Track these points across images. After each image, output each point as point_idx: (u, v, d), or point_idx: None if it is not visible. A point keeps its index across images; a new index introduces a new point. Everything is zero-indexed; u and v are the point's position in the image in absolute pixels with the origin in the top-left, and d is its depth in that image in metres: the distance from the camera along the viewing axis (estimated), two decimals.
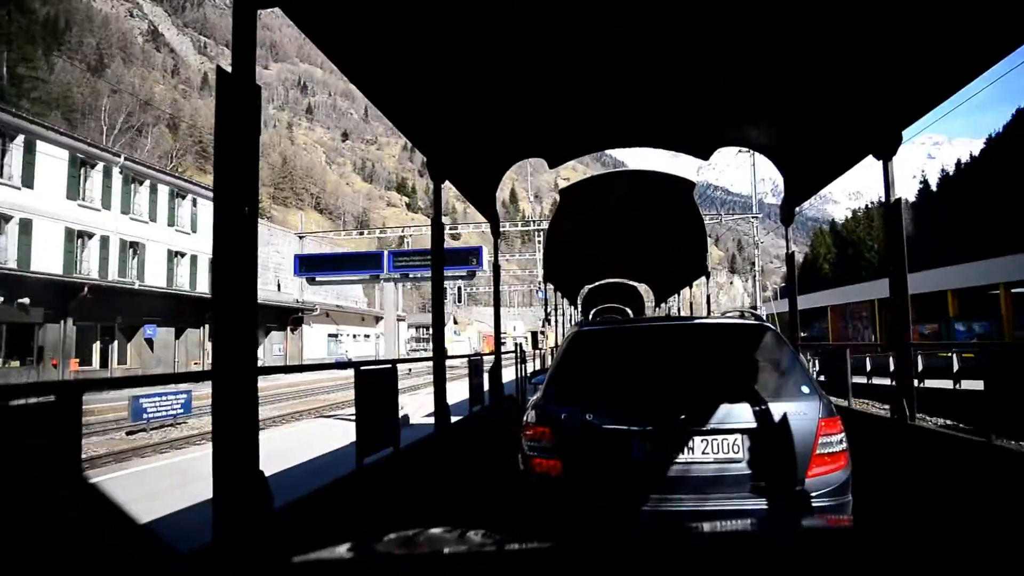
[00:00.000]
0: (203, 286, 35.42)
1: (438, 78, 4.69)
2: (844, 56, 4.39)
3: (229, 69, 2.38)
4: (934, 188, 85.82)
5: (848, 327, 24.58)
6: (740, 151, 31.70)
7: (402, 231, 46.08)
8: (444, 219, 5.72)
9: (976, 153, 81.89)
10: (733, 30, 4.44)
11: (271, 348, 39.23)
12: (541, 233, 40.65)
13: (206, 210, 36.30)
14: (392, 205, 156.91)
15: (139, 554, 1.24)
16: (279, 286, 43.04)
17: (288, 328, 40.55)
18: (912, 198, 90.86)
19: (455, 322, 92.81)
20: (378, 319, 52.22)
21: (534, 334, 21.74)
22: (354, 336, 51.36)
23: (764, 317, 6.22)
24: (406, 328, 59.88)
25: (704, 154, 7.19)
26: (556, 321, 19.75)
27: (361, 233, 47.84)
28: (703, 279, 13.14)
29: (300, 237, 41.21)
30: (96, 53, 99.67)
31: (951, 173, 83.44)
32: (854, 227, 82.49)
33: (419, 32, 4.05)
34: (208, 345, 31.95)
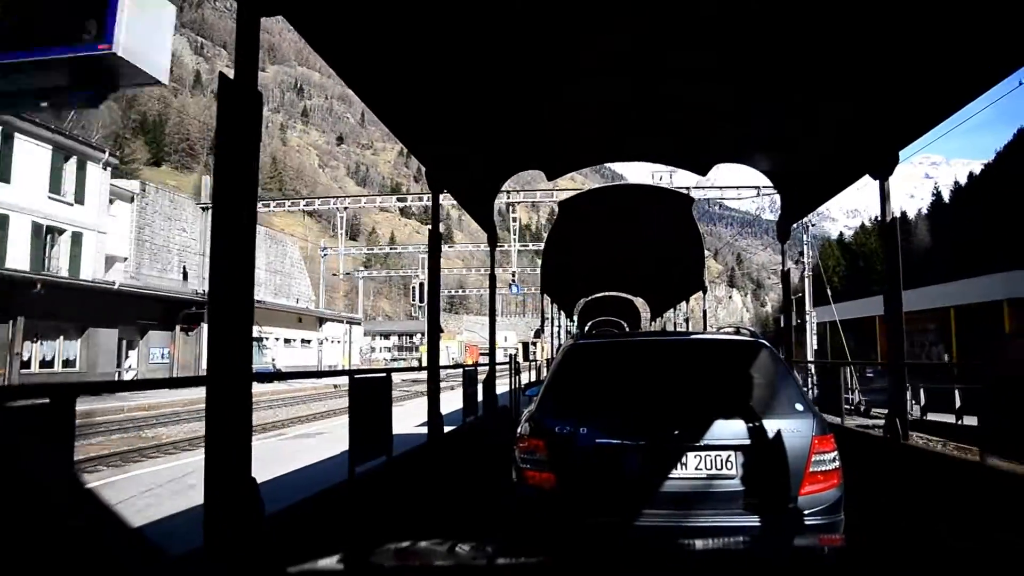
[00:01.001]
0: (19, 260, 23.89)
1: (439, 89, 4.72)
2: (842, 77, 4.43)
3: (231, 75, 2.39)
4: (947, 199, 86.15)
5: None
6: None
7: (391, 234, 44.67)
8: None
9: (980, 168, 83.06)
10: (733, 48, 4.49)
11: (148, 354, 28.52)
12: (513, 208, 38.35)
13: (32, 152, 24.83)
14: (385, 210, 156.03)
15: (130, 556, 1.23)
16: (186, 274, 33.08)
17: (178, 328, 29.89)
18: (925, 210, 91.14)
19: (441, 331, 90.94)
20: (323, 321, 44.78)
21: (525, 345, 21.47)
22: (287, 341, 41.31)
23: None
24: (360, 333, 50.62)
25: (702, 170, 7.23)
26: (552, 333, 19.70)
27: (354, 238, 46.39)
28: (700, 293, 13.17)
29: (206, 209, 31.11)
30: None
31: (963, 184, 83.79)
32: (864, 240, 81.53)
33: (421, 43, 4.08)
34: (27, 346, 22.83)
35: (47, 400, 1.73)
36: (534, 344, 20.44)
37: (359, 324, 49.35)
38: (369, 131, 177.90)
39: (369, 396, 3.69)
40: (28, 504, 1.64)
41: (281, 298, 44.73)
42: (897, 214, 4.79)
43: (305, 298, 49.83)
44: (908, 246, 77.40)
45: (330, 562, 1.12)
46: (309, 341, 44.22)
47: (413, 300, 39.03)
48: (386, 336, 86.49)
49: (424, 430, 5.33)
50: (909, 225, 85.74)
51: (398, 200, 40.08)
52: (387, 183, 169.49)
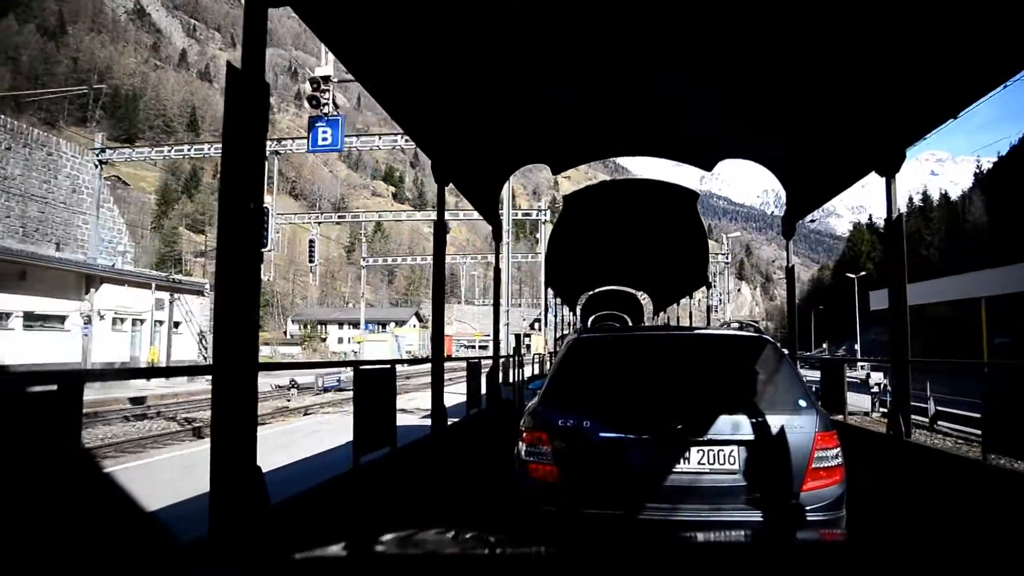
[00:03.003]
0: None
1: (445, 82, 4.71)
2: (849, 74, 4.41)
3: (232, 66, 2.39)
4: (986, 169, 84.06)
5: None
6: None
7: (378, 216, 41.92)
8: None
9: (987, 165, 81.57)
10: (740, 43, 4.46)
11: None
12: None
13: None
14: (377, 195, 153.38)
15: (136, 546, 1.24)
16: None
17: None
18: (967, 187, 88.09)
19: (418, 320, 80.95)
20: (92, 281, 25.65)
21: (517, 337, 20.24)
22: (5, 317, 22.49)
23: None
24: (200, 308, 31.82)
25: (707, 165, 7.21)
26: (553, 325, 19.56)
27: (342, 218, 41.98)
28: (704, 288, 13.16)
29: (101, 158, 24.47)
30: (57, 17, 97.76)
31: (1004, 155, 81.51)
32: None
33: (428, 37, 4.08)
34: None
35: (55, 387, 1.75)
36: (527, 337, 19.34)
37: (200, 294, 32.07)
38: (365, 116, 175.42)
39: (373, 388, 3.70)
40: (33, 490, 1.65)
41: (43, 245, 25.58)
42: (904, 210, 4.77)
43: (110, 251, 28.85)
44: (963, 225, 73.60)
45: (334, 550, 1.13)
46: (64, 320, 24.59)
47: (312, 261, 30.89)
48: (356, 325, 79.91)
49: (428, 422, 5.35)
50: (954, 206, 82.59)
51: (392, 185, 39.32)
52: (381, 167, 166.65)
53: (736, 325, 4.19)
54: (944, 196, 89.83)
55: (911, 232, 73.13)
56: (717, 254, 35.49)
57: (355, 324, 77.82)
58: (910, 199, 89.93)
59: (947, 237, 76.03)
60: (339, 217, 43.75)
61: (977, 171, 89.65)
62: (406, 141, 23.39)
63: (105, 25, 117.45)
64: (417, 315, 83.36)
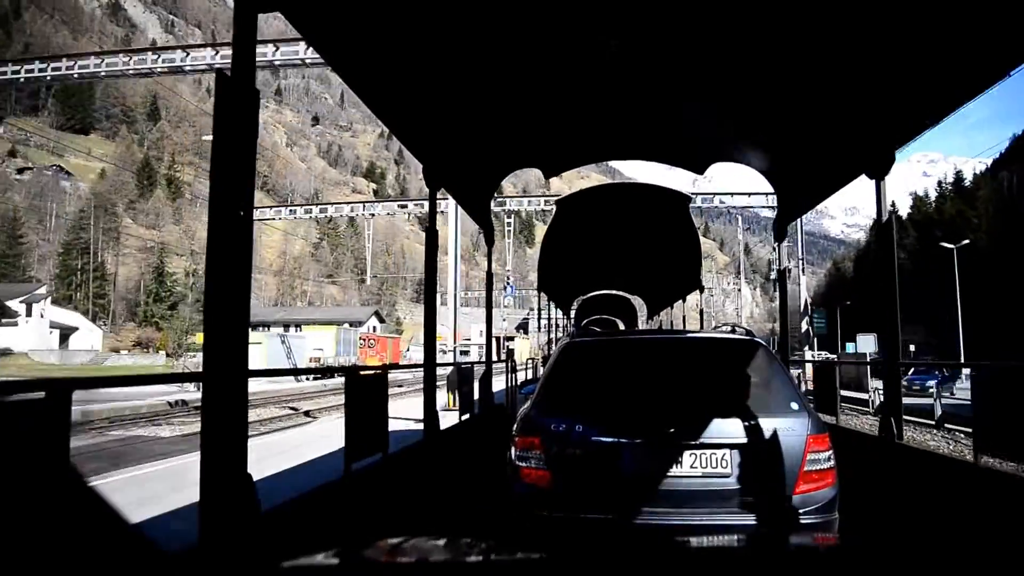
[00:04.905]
0: None
1: (437, 87, 4.72)
2: (838, 77, 4.44)
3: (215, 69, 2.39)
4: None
5: None
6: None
7: (351, 209, 35.96)
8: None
9: (977, 166, 75.93)
10: (730, 48, 4.49)
11: None
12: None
13: None
14: (358, 191, 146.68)
15: (126, 554, 1.23)
16: None
17: None
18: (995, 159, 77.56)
19: (378, 319, 76.10)
20: None
21: (498, 340, 19.23)
22: None
23: None
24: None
25: (699, 168, 7.25)
26: (544, 328, 19.41)
27: (309, 212, 36.46)
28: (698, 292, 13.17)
29: None
30: (12, 1, 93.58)
31: None
32: (939, 203, 70.90)
33: (420, 42, 4.08)
34: None
35: (43, 394, 1.73)
36: (510, 340, 18.65)
37: None
38: (349, 112, 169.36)
39: (365, 394, 3.69)
40: (20, 501, 1.64)
41: None
42: (895, 211, 4.81)
43: None
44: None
45: (324, 557, 1.12)
46: None
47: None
48: (298, 327, 60.02)
49: (420, 426, 5.34)
50: (1001, 185, 71.24)
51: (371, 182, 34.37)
52: (363, 164, 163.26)
53: (727, 328, 4.21)
54: (986, 172, 76.64)
55: (952, 216, 66.73)
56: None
57: (298, 326, 61.58)
58: (939, 182, 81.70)
59: (995, 218, 65.12)
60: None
61: (1011, 137, 78.69)
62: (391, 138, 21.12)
63: (65, 12, 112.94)
64: (377, 314, 79.99)
